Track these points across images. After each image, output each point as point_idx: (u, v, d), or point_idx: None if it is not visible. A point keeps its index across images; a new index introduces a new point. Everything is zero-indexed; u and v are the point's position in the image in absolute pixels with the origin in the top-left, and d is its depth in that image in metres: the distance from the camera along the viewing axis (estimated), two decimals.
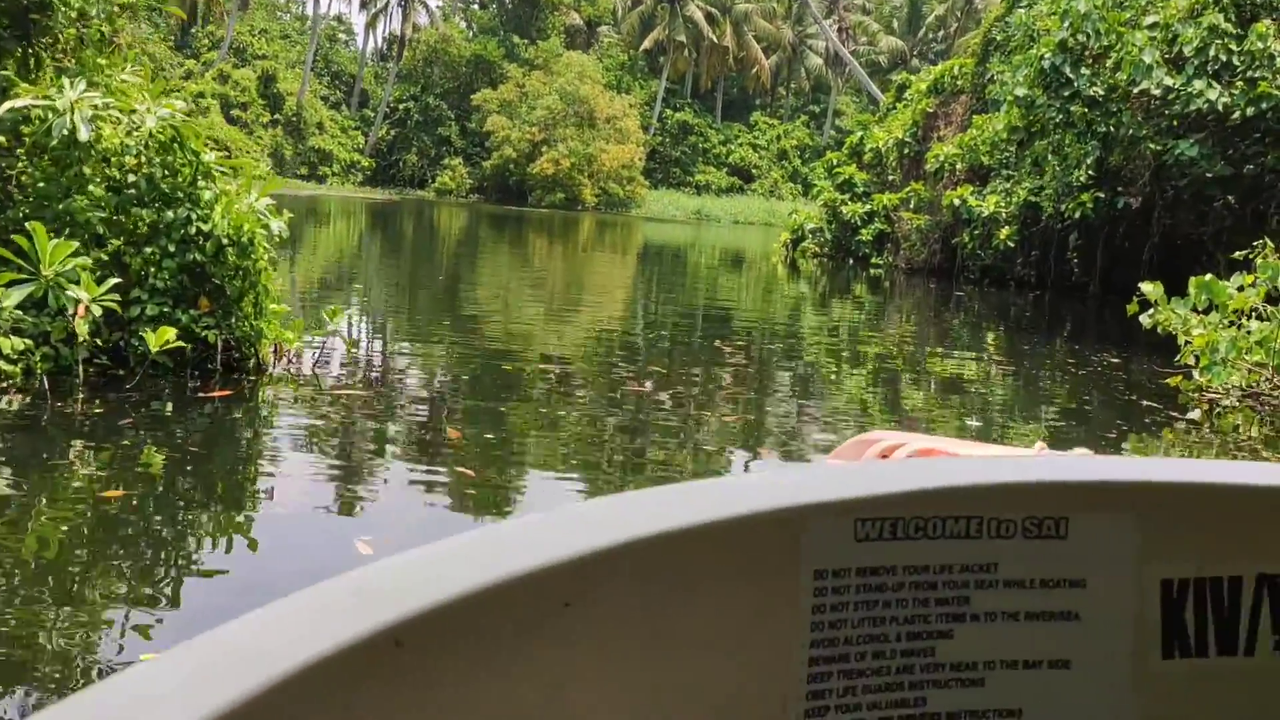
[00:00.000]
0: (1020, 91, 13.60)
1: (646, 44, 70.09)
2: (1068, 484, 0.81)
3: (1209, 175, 12.82)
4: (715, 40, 71.01)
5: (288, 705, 0.50)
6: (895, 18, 76.86)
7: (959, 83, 26.76)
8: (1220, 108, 12.22)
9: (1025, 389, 10.51)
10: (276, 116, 57.45)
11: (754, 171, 73.30)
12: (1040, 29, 14.79)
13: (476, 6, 70.93)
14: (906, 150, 27.55)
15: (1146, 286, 9.61)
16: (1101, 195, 20.31)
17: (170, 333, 6.23)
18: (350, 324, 11.67)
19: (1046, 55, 13.24)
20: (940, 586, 0.78)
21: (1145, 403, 9.14)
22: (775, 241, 32.17)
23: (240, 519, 4.97)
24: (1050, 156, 16.83)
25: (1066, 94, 13.18)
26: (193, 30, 62.66)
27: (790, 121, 78.53)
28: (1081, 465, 0.87)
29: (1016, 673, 0.80)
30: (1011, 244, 22.68)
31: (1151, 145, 13.65)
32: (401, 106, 63.89)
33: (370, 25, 64.32)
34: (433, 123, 63.74)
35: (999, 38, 25.29)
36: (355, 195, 55.58)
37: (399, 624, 0.56)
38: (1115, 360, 11.80)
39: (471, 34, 68.43)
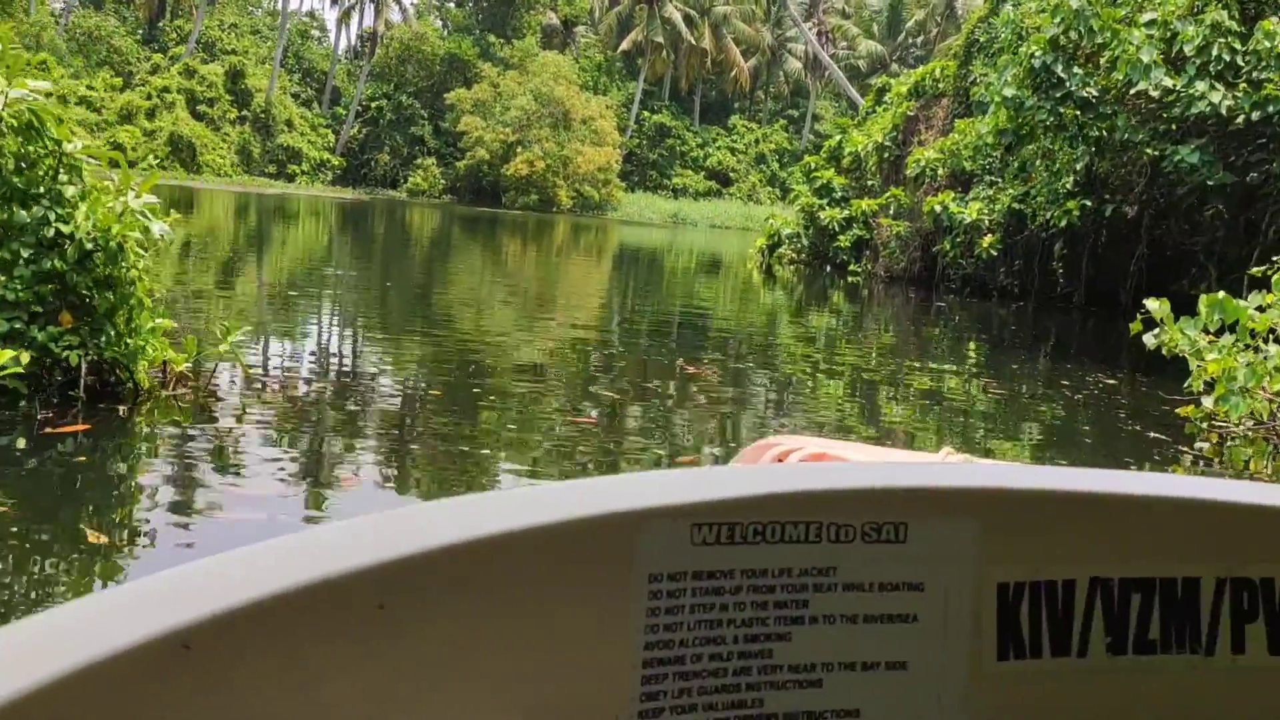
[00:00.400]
0: (1009, 92, 12.68)
1: (624, 45, 69.13)
2: (908, 489, 0.83)
3: (1210, 183, 11.93)
4: (694, 42, 70.10)
5: (64, 706, 0.50)
6: (875, 22, 76.17)
7: (940, 86, 25.89)
8: (1223, 111, 11.33)
9: (1016, 413, 9.57)
10: (244, 113, 56.15)
11: (732, 175, 72.43)
12: (1029, 26, 13.90)
13: (452, 4, 69.76)
14: (886, 154, 26.66)
15: (1152, 304, 8.67)
16: (1088, 203, 19.46)
17: (7, 355, 5.16)
18: (283, 338, 10.91)
19: (1037, 53, 12.32)
20: (779, 590, 0.79)
21: (1152, 434, 8.20)
22: (751, 247, 31.19)
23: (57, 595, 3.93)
24: (1038, 161, 15.90)
25: (1058, 95, 12.28)
26: (160, 24, 61.23)
27: (769, 125, 77.73)
28: (922, 471, 0.87)
29: (854, 674, 0.82)
30: (994, 253, 21.81)
31: (1148, 151, 12.75)
32: (374, 105, 62.66)
33: (342, 21, 63.08)
34: (405, 122, 62.54)
35: (982, 39, 24.44)
36: (325, 195, 54.35)
37: (188, 627, 0.55)
38: (1111, 382, 10.88)
39: (446, 32, 67.20)
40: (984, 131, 15.95)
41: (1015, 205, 21.59)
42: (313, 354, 10.10)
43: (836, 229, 27.73)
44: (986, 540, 0.83)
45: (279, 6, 73.14)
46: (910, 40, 75.69)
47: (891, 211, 25.15)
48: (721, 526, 0.76)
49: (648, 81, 72.00)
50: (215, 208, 39.32)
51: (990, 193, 22.42)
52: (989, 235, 21.81)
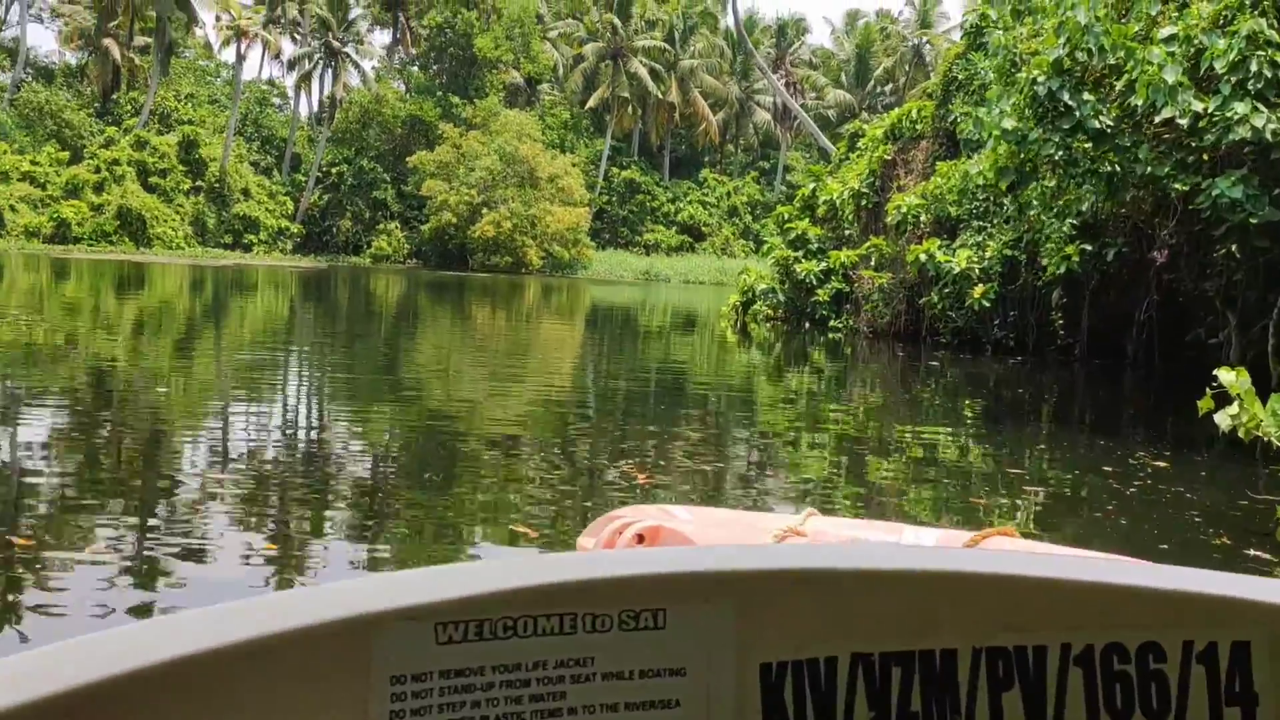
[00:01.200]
0: (1008, 124, 10.86)
1: (591, 102, 67.89)
2: (663, 576, 0.83)
3: (1254, 220, 10.08)
4: (660, 96, 68.94)
5: None
6: (843, 71, 75.35)
7: (918, 127, 24.23)
8: (1268, 136, 9.51)
9: (1058, 501, 7.59)
10: (199, 183, 54.24)
11: (704, 229, 70.97)
12: (1025, 51, 12.15)
13: (415, 68, 68.35)
14: (864, 202, 24.92)
15: (1226, 375, 6.77)
16: (1088, 246, 17.68)
17: None
18: (243, 414, 10.32)
19: (1040, 79, 10.53)
20: (534, 684, 0.79)
21: (1252, 551, 6.20)
22: (724, 305, 29.31)
23: None
24: (1035, 202, 14.05)
25: (1066, 126, 10.48)
26: (115, 96, 59.52)
27: (740, 178, 76.55)
28: (678, 555, 0.88)
29: None
30: (987, 303, 19.98)
31: (1178, 185, 10.92)
32: (334, 170, 60.92)
33: (300, 86, 61.49)
34: (367, 186, 60.80)
35: (961, 76, 22.81)
36: (284, 264, 52.34)
37: None
38: (1161, 464, 8.90)
39: (407, 94, 65.74)
40: (977, 171, 14.09)
41: (1007, 251, 19.80)
42: (273, 429, 9.46)
43: (814, 282, 25.91)
44: (746, 622, 0.84)
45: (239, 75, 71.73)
46: (879, 89, 74.84)
47: (873, 262, 23.36)
48: (469, 624, 0.74)
49: (615, 137, 70.72)
50: (168, 282, 37.32)
51: (979, 239, 20.64)
52: (980, 285, 19.99)
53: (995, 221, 20.35)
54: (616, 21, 66.39)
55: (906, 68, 74.91)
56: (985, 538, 2.96)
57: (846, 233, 26.73)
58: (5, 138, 49.16)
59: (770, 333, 26.12)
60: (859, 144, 30.93)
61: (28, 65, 66.61)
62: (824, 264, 25.95)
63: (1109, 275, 18.21)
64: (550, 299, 40.84)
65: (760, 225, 73.66)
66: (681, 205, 71.23)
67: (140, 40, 60.69)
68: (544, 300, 39.98)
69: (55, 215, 47.13)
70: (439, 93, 63.77)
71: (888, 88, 75.24)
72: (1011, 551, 2.42)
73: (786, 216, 28.99)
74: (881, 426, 12.15)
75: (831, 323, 25.23)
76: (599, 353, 20.97)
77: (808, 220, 27.41)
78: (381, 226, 60.28)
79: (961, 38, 23.32)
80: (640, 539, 2.83)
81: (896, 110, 25.81)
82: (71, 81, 63.29)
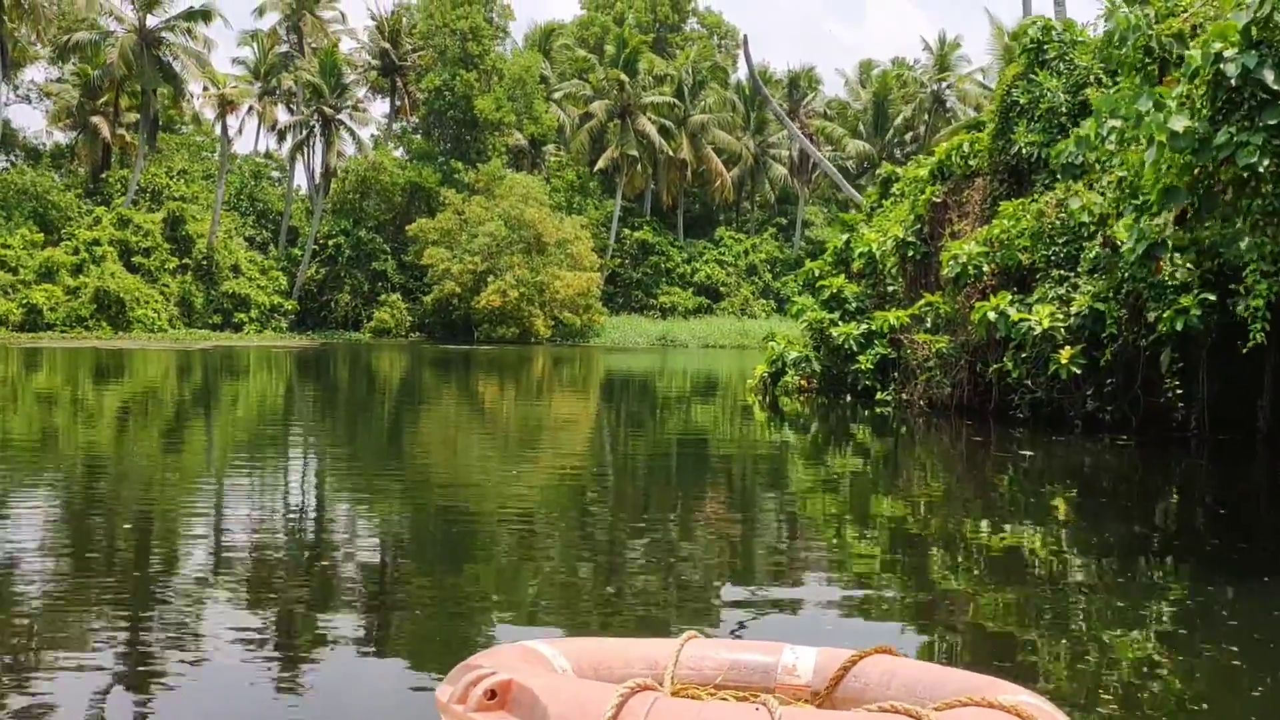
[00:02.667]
0: (1178, 125, 7.21)
1: (600, 164, 64.81)
2: None
3: None
4: (671, 154, 65.78)
5: None
6: (860, 121, 72.11)
7: (972, 163, 20.54)
8: None
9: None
10: (185, 261, 51.09)
11: (722, 289, 67.43)
12: (1162, 33, 8.50)
13: (417, 135, 65.50)
14: (911, 252, 21.23)
15: None
16: (1210, 296, 13.88)
17: None
18: (238, 504, 9.96)
19: (1230, 55, 6.90)
20: None
21: None
22: (749, 378, 25.45)
23: None
24: (1226, 231, 10.23)
25: (1274, 120, 6.84)
26: (104, 176, 56.75)
27: (758, 235, 73.11)
28: None
29: None
30: (1076, 369, 16.11)
31: None
32: (331, 242, 57.80)
33: (294, 157, 58.57)
34: (366, 257, 57.61)
35: (1023, 100, 19.14)
36: (278, 344, 48.90)
37: None
38: None
39: (407, 160, 62.79)
40: (1079, 206, 10.34)
41: (1098, 305, 15.96)
42: (271, 519, 9.15)
43: (854, 348, 22.09)
44: None
45: (237, 149, 69.11)
46: (898, 138, 71.52)
47: (928, 324, 19.53)
48: None
49: (626, 198, 67.55)
50: (150, 368, 34.02)
51: (1061, 290, 16.82)
52: (1067, 347, 16.14)
53: (1081, 267, 16.54)
54: (624, 77, 63.48)
55: (927, 115, 71.65)
56: (864, 657, 3.16)
57: (890, 289, 22.99)
58: None
59: (804, 406, 22.33)
60: (893, 189, 27.37)
61: (17, 147, 64.21)
62: (865, 326, 22.17)
63: (1232, 329, 14.33)
64: (561, 370, 37.90)
65: (780, 283, 70.11)
66: (698, 265, 67.79)
67: (131, 117, 58.09)
68: (555, 371, 37.04)
69: (24, 301, 43.96)
70: (439, 158, 60.78)
71: (907, 136, 71.94)
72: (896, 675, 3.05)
73: (817, 273, 25.31)
74: (946, 522, 9.96)
75: (879, 395, 21.39)
76: (613, 428, 19.20)
77: (842, 276, 23.69)
78: (382, 299, 56.99)
79: (1020, 55, 19.68)
80: (492, 694, 2.78)
81: (944, 145, 22.12)
82: (61, 162, 60.77)
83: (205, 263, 51.50)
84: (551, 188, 61.87)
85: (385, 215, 59.58)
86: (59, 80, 62.69)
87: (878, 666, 3.20)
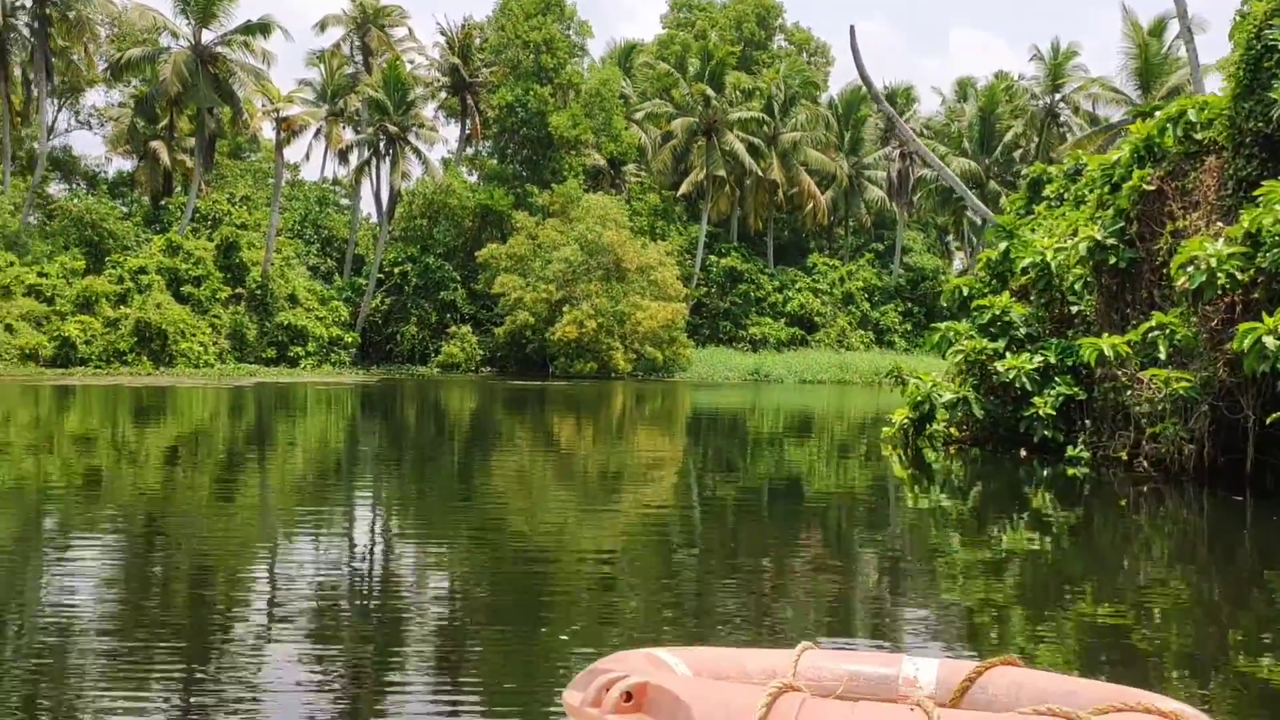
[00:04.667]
0: None
1: (684, 188, 60.07)
2: None
3: None
4: (761, 174, 60.73)
5: None
6: (966, 138, 66.30)
7: (1199, 135, 15.09)
8: None
9: None
10: (239, 291, 47.32)
11: (817, 319, 62.03)
12: None
13: (488, 155, 61.44)
14: (1113, 259, 15.77)
15: None
16: None
17: None
18: (303, 550, 9.65)
19: None
20: None
21: None
22: (886, 426, 20.07)
23: None
24: None
25: None
26: (164, 202, 53.56)
27: (853, 261, 67.58)
28: None
29: None
30: None
31: None
32: (397, 270, 53.72)
33: (358, 179, 54.81)
34: (434, 287, 53.40)
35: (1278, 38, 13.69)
36: (338, 379, 44.80)
37: None
38: None
39: (477, 183, 58.70)
40: None
41: None
42: (336, 568, 8.81)
43: (1028, 386, 16.69)
44: None
45: (304, 175, 65.92)
46: (1006, 155, 65.56)
47: (1162, 354, 14.08)
48: None
49: (711, 222, 62.63)
50: (195, 407, 30.46)
51: None
52: None
53: None
54: (709, 92, 58.72)
55: (1038, 129, 65.68)
56: (990, 668, 3.13)
57: (1072, 309, 17.56)
58: (16, 249, 42.96)
59: (957, 461, 17.12)
60: (1045, 191, 22.00)
61: (77, 175, 61.70)
62: (1042, 358, 16.79)
63: None
64: (644, 407, 34.34)
65: (880, 313, 64.52)
66: (790, 294, 62.50)
67: (191, 141, 54.92)
68: (637, 409, 33.43)
69: (57, 333, 40.38)
70: (512, 179, 56.54)
71: (1016, 154, 65.99)
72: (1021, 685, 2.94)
73: (967, 291, 19.92)
74: (1196, 643, 6.88)
75: (1072, 452, 15.94)
76: (700, 471, 17.29)
77: (1007, 295, 18.32)
78: (451, 331, 52.67)
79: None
80: (628, 697, 2.78)
81: (1158, 117, 16.60)
82: (123, 190, 57.92)
83: (259, 292, 47.72)
84: (632, 210, 57.15)
85: (455, 241, 55.45)
86: (120, 105, 60.11)
87: (1004, 678, 3.15)
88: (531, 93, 54.29)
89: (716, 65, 59.79)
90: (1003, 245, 19.51)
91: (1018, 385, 16.79)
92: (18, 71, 49.97)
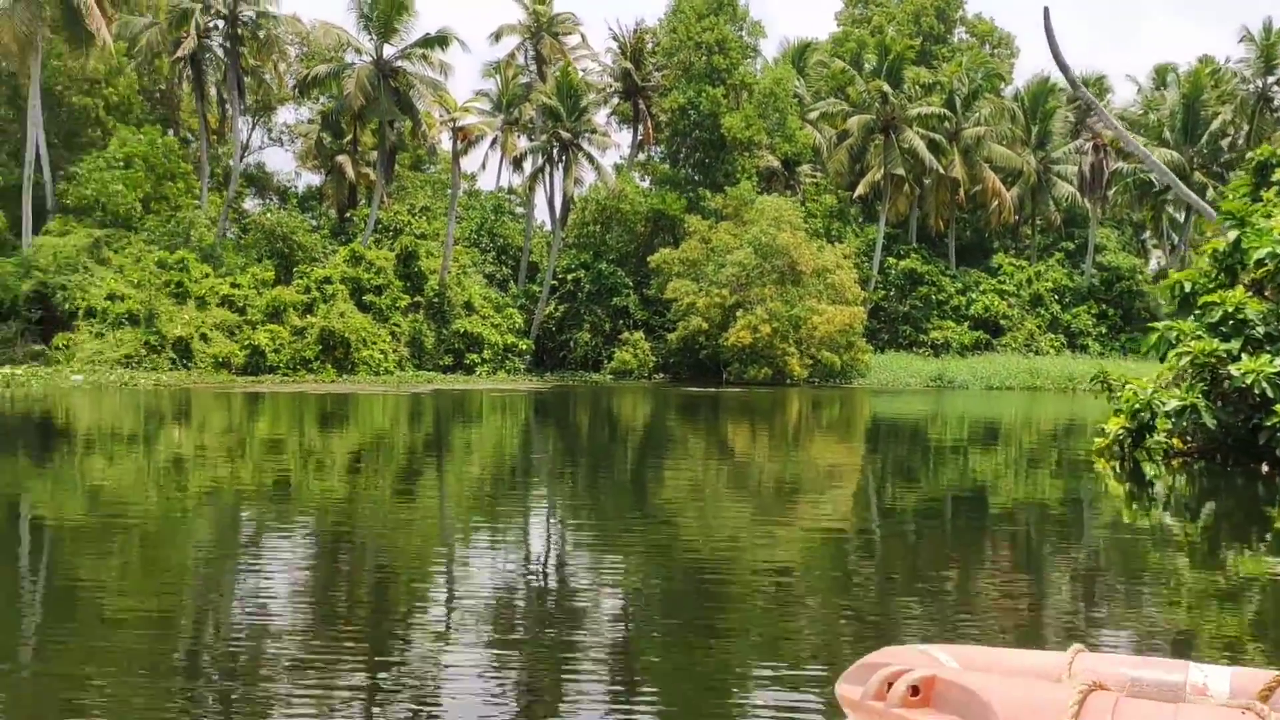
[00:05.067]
0: None
1: (861, 189, 58.53)
2: None
3: None
4: (943, 171, 58.59)
5: None
6: (1167, 127, 62.34)
7: None
8: None
9: None
10: (417, 299, 48.51)
11: (1003, 323, 59.44)
12: None
13: (660, 159, 61.33)
14: None
15: None
16: None
17: None
18: (477, 554, 9.97)
19: None
20: None
21: None
22: (1098, 435, 18.57)
23: None
24: None
25: None
26: (349, 214, 55.53)
27: (1041, 261, 64.46)
28: None
29: None
30: None
31: None
32: (570, 277, 54.11)
33: (531, 186, 55.45)
34: (607, 293, 53.56)
35: None
36: (511, 386, 45.37)
37: None
38: None
39: (650, 187, 58.63)
40: None
41: None
42: (512, 574, 8.96)
43: (1268, 392, 15.06)
44: None
45: (481, 185, 67.36)
46: (1214, 143, 61.30)
47: None
48: None
49: (889, 223, 60.79)
50: (376, 413, 31.30)
51: None
52: None
53: None
54: (886, 88, 57.03)
55: (1247, 113, 61.25)
56: None
57: None
58: (212, 261, 45.15)
59: (1181, 476, 15.60)
60: (1276, 175, 20.03)
61: (270, 190, 64.72)
62: None
63: None
64: (821, 414, 33.45)
65: (1071, 315, 61.34)
66: (974, 296, 60.10)
67: (375, 155, 56.82)
68: (814, 416, 32.61)
69: (248, 342, 42.15)
70: (684, 183, 56.20)
71: (1224, 142, 61.65)
72: None
73: (1189, 287, 18.25)
74: None
75: None
76: (881, 481, 16.49)
77: (1240, 289, 16.63)
78: (624, 337, 52.69)
79: None
80: (914, 691, 2.67)
81: None
82: (312, 204, 60.42)
83: (437, 300, 48.84)
84: (807, 212, 55.97)
85: (627, 246, 55.50)
86: (309, 121, 62.72)
87: None
88: (704, 95, 53.87)
89: (894, 60, 58.08)
90: (1233, 234, 17.74)
91: (1256, 391, 15.15)
92: (213, 92, 52.70)
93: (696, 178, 57.15)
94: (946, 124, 59.71)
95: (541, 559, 9.91)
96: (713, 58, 54.55)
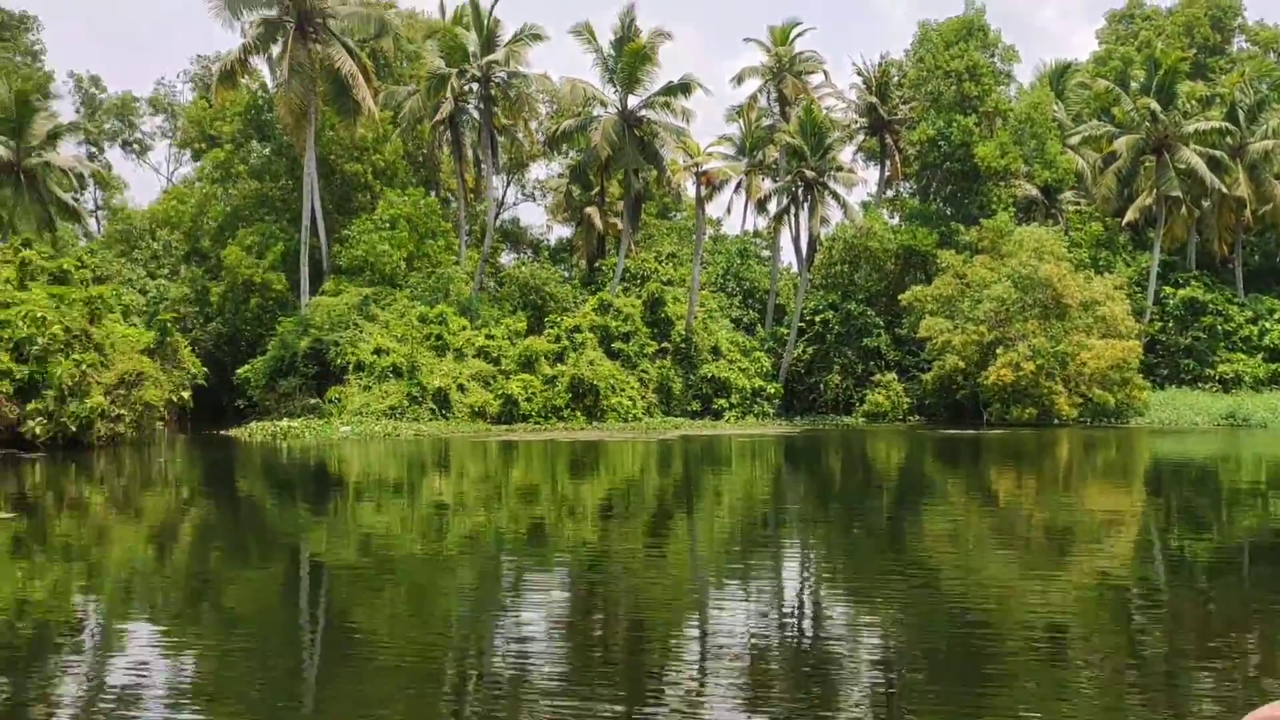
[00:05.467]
0: None
1: (1130, 215, 55.10)
2: None
3: None
4: (1225, 190, 54.36)
5: None
6: None
7: None
8: None
9: None
10: (664, 345, 49.22)
11: None
12: None
13: (909, 194, 59.96)
14: None
15: None
16: None
17: None
18: (733, 598, 10.08)
19: None
20: None
21: None
22: None
23: None
24: None
25: None
26: (598, 264, 57.28)
27: None
28: None
29: None
30: None
31: None
32: (819, 318, 53.54)
33: (776, 228, 55.38)
34: (857, 333, 52.64)
35: None
36: (760, 431, 45.20)
37: None
38: None
39: (899, 223, 57.38)
40: None
41: None
42: (767, 622, 8.84)
43: None
44: None
45: (727, 230, 67.95)
46: None
47: None
48: None
49: (1165, 250, 56.83)
50: (625, 459, 31.97)
51: None
52: None
53: None
54: (1155, 106, 53.60)
55: None
56: None
57: None
58: (469, 314, 47.45)
59: None
60: None
61: (524, 244, 67.64)
62: None
63: None
64: (1095, 457, 31.79)
65: None
66: (1267, 326, 55.29)
67: (621, 205, 58.43)
68: (1087, 458, 31.04)
69: (501, 391, 43.89)
70: (935, 217, 54.66)
71: None
72: None
73: None
74: None
75: None
76: (1167, 532, 15.25)
77: None
78: (876, 379, 51.56)
79: None
80: None
81: None
82: (563, 255, 62.71)
83: (684, 346, 49.46)
84: (1071, 241, 53.20)
85: (877, 285, 54.44)
86: (559, 175, 65.26)
87: None
88: (955, 124, 52.41)
89: (1166, 75, 54.56)
90: None
91: None
92: (470, 153, 55.73)
93: (948, 211, 55.54)
94: (1229, 139, 55.48)
95: (797, 610, 9.75)
96: (963, 85, 53.06)
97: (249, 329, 49.47)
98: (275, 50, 46.61)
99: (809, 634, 8.70)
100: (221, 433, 41.00)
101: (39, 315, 32.12)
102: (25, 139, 47.18)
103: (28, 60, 65.21)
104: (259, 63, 49.36)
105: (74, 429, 31.49)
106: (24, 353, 31.73)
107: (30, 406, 31.37)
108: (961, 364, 47.59)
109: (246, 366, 45.03)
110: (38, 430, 31.25)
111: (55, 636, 8.82)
